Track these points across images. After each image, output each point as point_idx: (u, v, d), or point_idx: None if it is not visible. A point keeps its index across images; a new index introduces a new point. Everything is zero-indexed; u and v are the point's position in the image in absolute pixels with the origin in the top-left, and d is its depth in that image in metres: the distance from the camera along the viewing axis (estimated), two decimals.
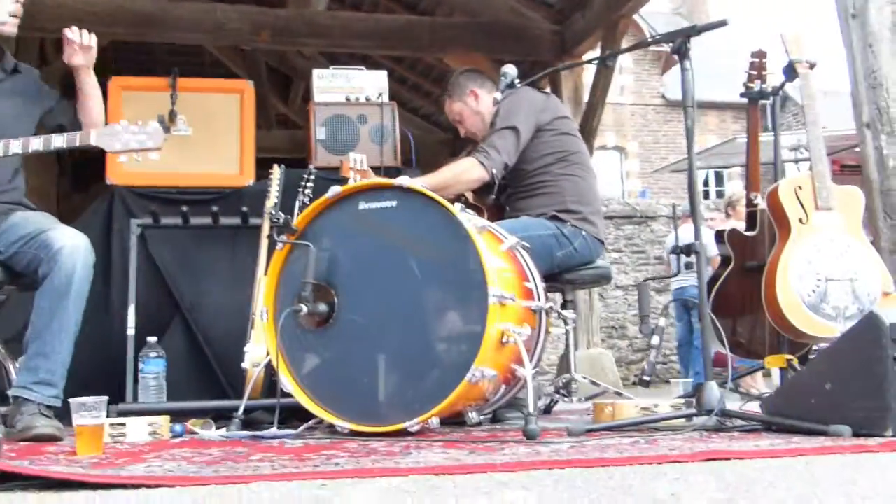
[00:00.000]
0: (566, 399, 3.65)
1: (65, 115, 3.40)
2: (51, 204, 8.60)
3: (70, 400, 2.47)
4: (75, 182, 10.90)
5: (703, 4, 26.10)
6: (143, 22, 6.07)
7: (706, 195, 21.03)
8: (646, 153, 23.37)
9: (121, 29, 6.09)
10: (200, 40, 7.03)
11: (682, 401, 2.86)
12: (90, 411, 2.42)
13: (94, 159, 4.26)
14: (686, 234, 4.13)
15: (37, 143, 3.05)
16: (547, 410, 3.73)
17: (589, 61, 4.20)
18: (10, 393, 2.99)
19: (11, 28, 3.20)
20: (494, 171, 3.56)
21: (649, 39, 3.02)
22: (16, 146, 3.04)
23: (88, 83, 3.34)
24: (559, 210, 3.66)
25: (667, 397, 3.14)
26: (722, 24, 2.69)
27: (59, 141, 3.06)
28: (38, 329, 3.00)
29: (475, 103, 3.92)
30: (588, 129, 6.09)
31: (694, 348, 7.77)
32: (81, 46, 3.24)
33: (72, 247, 3.01)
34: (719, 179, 22.84)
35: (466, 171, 3.57)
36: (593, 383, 3.76)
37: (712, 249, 4.28)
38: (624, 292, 11.08)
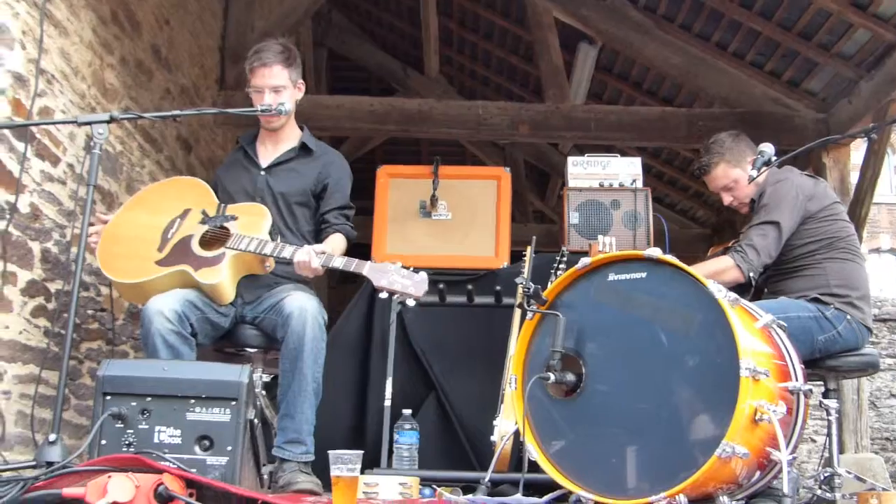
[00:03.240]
0: (828, 495, 3.39)
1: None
2: (321, 293, 9.27)
3: (329, 452, 2.62)
4: (343, 273, 11.64)
5: None
6: (411, 119, 6.47)
7: None
8: None
9: (392, 126, 6.54)
10: (462, 136, 7.39)
11: None
12: (346, 464, 2.56)
13: (363, 253, 4.57)
14: None
15: (318, 260, 3.26)
16: None
17: (851, 135, 4.01)
18: (273, 452, 3.23)
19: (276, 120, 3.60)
20: (752, 274, 3.47)
21: None
22: (287, 250, 3.31)
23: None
24: (822, 293, 3.49)
25: None
26: None
27: (338, 262, 3.27)
28: (283, 391, 3.27)
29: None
30: (856, 220, 5.77)
31: None
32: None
33: (299, 310, 3.25)
34: None
35: (723, 271, 3.48)
36: (859, 479, 3.48)
37: None
38: None
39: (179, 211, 3.51)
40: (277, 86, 3.60)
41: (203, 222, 3.46)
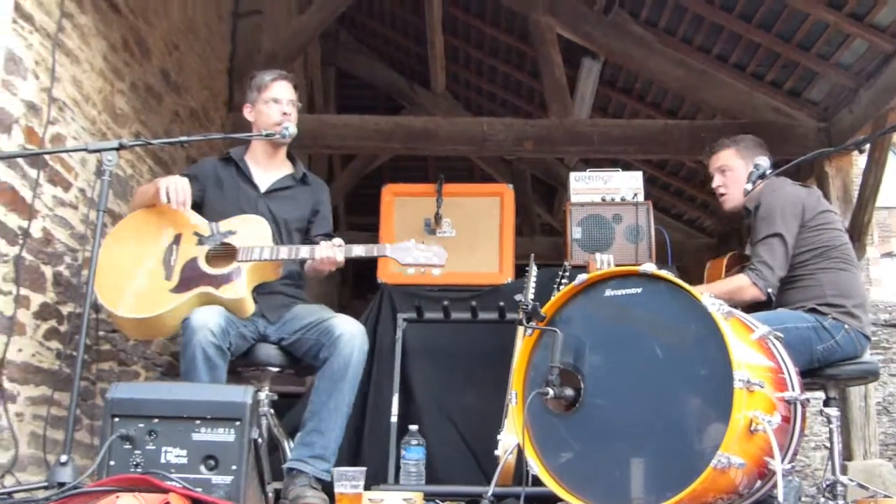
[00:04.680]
0: (831, 503, 3.43)
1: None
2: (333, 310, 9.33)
3: (333, 469, 2.68)
4: (354, 291, 11.76)
5: None
6: (416, 137, 6.55)
7: None
8: None
9: (397, 144, 6.62)
10: (467, 152, 7.46)
11: None
12: (350, 481, 2.63)
13: (372, 271, 4.64)
14: None
15: (341, 253, 3.39)
16: None
17: (842, 148, 4.06)
18: (286, 466, 3.28)
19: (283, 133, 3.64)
20: (770, 290, 3.53)
21: None
22: (303, 249, 3.42)
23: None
24: (819, 303, 3.53)
25: None
26: None
27: (359, 250, 3.41)
28: (316, 407, 3.30)
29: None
30: (859, 228, 5.82)
31: None
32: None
33: (350, 334, 3.33)
34: None
35: (740, 290, 3.54)
36: (861, 486, 3.51)
37: None
38: None
39: (171, 237, 3.48)
40: (294, 100, 3.75)
41: (201, 243, 3.45)
